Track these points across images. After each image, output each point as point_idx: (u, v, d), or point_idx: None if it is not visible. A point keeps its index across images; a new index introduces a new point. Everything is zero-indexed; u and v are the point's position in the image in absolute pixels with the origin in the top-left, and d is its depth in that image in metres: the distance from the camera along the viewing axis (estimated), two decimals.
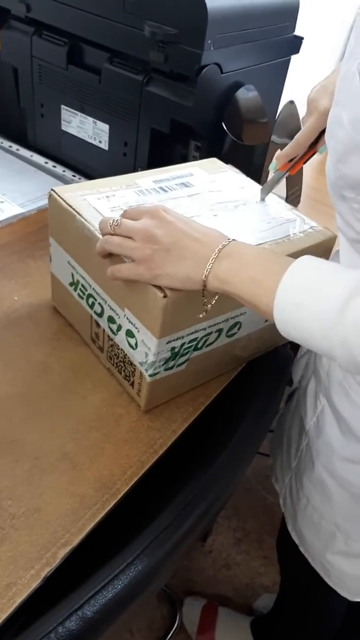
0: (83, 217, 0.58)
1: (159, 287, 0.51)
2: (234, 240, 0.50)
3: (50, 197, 0.62)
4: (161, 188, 0.65)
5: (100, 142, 0.94)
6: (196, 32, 0.74)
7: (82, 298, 0.64)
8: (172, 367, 0.60)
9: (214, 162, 0.75)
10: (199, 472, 0.60)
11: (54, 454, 0.56)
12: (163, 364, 0.58)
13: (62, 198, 0.61)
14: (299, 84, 1.21)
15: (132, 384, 0.62)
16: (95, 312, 0.63)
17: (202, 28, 0.74)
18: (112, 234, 0.53)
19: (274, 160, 0.68)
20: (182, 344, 0.58)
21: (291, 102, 0.81)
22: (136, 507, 0.55)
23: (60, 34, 0.89)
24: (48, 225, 0.65)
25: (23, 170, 1.01)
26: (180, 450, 0.61)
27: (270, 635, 1.08)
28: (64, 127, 0.98)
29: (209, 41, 0.75)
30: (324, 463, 0.68)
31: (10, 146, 1.06)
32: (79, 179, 0.99)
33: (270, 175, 0.69)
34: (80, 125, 0.95)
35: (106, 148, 0.93)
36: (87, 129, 0.94)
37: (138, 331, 0.56)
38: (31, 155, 1.04)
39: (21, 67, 0.97)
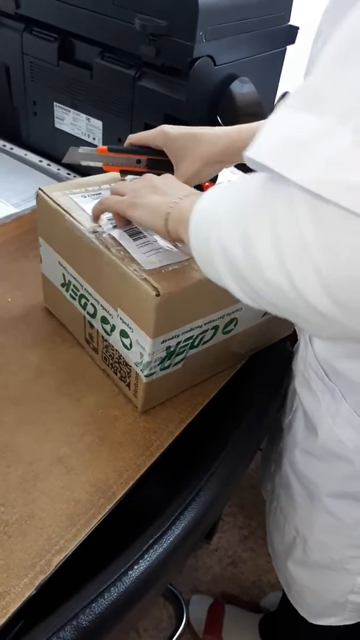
0: (72, 217, 0.57)
1: (152, 286, 0.50)
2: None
3: (38, 196, 0.61)
4: None
5: (94, 138, 0.92)
6: (187, 24, 0.73)
7: (75, 299, 0.63)
8: (168, 367, 0.59)
9: None
10: (198, 472, 0.58)
11: (47, 458, 0.55)
12: (159, 364, 0.57)
13: (50, 197, 0.60)
14: (296, 75, 1.19)
15: (129, 385, 0.61)
16: (88, 312, 0.62)
17: (193, 20, 0.72)
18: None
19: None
20: (178, 343, 0.57)
21: (287, 94, 0.80)
22: (133, 511, 0.54)
23: (50, 30, 0.88)
24: (37, 221, 0.64)
25: (17, 169, 1.00)
26: (178, 450, 0.60)
27: (278, 633, 1.07)
28: (57, 125, 0.96)
29: (201, 33, 0.74)
30: (289, 459, 0.67)
31: (3, 145, 1.05)
32: (74, 176, 0.98)
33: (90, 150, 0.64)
34: (74, 122, 0.94)
35: (100, 145, 0.92)
36: (81, 125, 0.93)
37: (132, 331, 0.55)
38: (25, 154, 1.03)
39: (12, 65, 0.96)
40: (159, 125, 0.81)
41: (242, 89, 0.85)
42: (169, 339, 0.55)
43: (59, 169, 0.99)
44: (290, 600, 0.73)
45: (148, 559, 0.49)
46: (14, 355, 0.65)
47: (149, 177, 0.54)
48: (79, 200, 0.60)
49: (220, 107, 0.84)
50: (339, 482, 0.61)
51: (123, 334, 0.57)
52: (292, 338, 0.73)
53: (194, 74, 0.77)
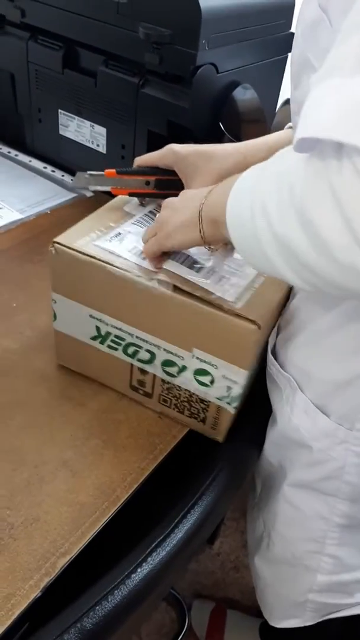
0: (115, 267, 0.53)
1: (247, 319, 0.50)
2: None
3: (56, 251, 0.55)
4: (151, 212, 0.64)
5: (98, 145, 0.93)
6: (190, 32, 0.74)
7: (116, 349, 0.60)
8: (245, 392, 0.59)
9: None
10: (200, 476, 0.59)
11: (53, 461, 0.56)
12: (244, 392, 0.57)
13: (76, 250, 0.55)
14: None
15: (203, 421, 0.60)
16: (139, 359, 0.59)
17: (196, 28, 0.73)
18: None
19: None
20: (255, 367, 0.58)
21: (289, 101, 0.80)
22: (137, 513, 0.55)
23: (55, 39, 0.89)
24: (51, 277, 0.59)
25: (22, 175, 1.01)
26: (181, 453, 0.60)
27: (279, 638, 1.07)
28: (61, 132, 0.97)
29: (204, 41, 0.74)
30: (264, 450, 0.67)
31: (8, 152, 1.06)
32: None
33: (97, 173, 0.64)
34: (78, 129, 0.94)
35: (104, 151, 0.93)
36: (85, 132, 0.94)
37: (216, 368, 0.54)
38: (30, 161, 1.04)
39: (17, 73, 0.97)
40: (162, 132, 0.83)
41: (245, 95, 0.86)
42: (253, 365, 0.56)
43: (63, 176, 1.00)
44: (258, 601, 0.73)
45: (151, 562, 0.50)
46: (19, 359, 0.66)
47: (167, 201, 0.54)
48: (107, 246, 0.56)
49: (223, 113, 0.85)
50: (298, 470, 0.61)
51: (200, 372, 0.56)
52: None
53: (197, 82, 0.78)
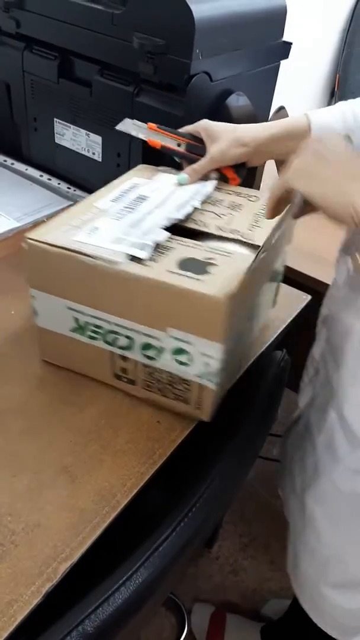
0: (87, 255, 0.55)
1: (218, 292, 0.51)
2: None
3: (29, 245, 0.57)
4: (126, 208, 0.65)
5: (93, 153, 0.94)
6: (184, 42, 0.75)
7: (96, 338, 0.61)
8: (226, 367, 0.60)
9: (146, 168, 0.77)
10: (198, 479, 0.60)
11: (52, 467, 0.56)
12: (224, 367, 0.58)
13: (47, 243, 0.56)
14: (289, 89, 1.21)
15: (187, 401, 0.61)
16: (119, 346, 0.60)
17: (190, 38, 0.74)
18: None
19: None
20: (233, 341, 0.58)
21: (282, 108, 0.82)
22: (135, 518, 0.55)
23: (50, 49, 0.90)
24: (27, 272, 0.59)
25: (18, 183, 1.02)
26: (179, 457, 0.61)
27: None
28: (57, 140, 0.98)
29: (197, 50, 0.76)
30: (331, 477, 0.66)
31: (5, 160, 1.07)
32: (74, 190, 0.99)
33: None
34: (74, 138, 0.95)
35: (100, 160, 0.94)
36: (80, 141, 0.95)
37: (192, 345, 0.55)
38: (26, 169, 1.04)
39: (13, 83, 0.98)
40: None
41: (238, 103, 0.87)
42: (229, 339, 0.56)
43: (59, 184, 1.01)
44: (317, 623, 0.70)
45: (151, 565, 0.50)
46: (18, 366, 0.66)
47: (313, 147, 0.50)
48: (78, 237, 0.57)
49: (217, 121, 0.86)
50: None
51: (178, 352, 0.57)
52: (287, 346, 0.74)
53: (191, 90, 0.79)
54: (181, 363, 0.58)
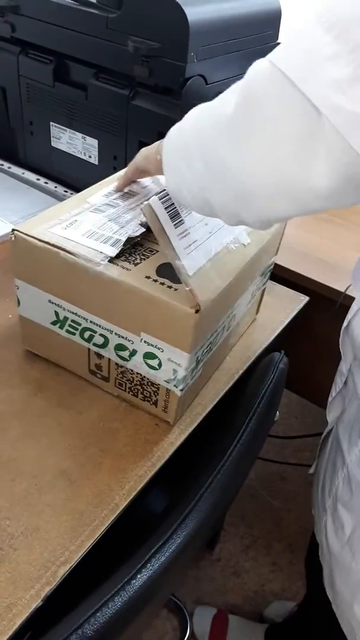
0: (69, 252, 0.56)
1: (188, 305, 0.51)
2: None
3: (15, 238, 0.58)
4: (111, 202, 0.65)
5: (90, 157, 0.94)
6: (179, 45, 0.75)
7: (74, 334, 0.62)
8: (194, 375, 0.61)
9: None
10: (197, 481, 0.59)
11: (51, 471, 0.56)
12: (191, 375, 0.59)
13: (32, 237, 0.57)
14: None
15: (155, 403, 0.62)
16: (95, 344, 0.61)
17: (184, 41, 0.74)
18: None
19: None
20: (202, 350, 0.59)
21: None
22: (135, 520, 0.55)
23: (45, 52, 0.90)
24: (13, 264, 0.61)
25: (15, 187, 1.02)
26: (177, 459, 0.61)
27: None
28: (53, 144, 0.98)
29: (192, 53, 0.76)
30: None
31: (1, 164, 1.07)
32: (71, 194, 1.00)
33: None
34: (70, 141, 0.96)
35: (96, 163, 0.94)
36: (77, 144, 0.95)
37: (162, 351, 0.56)
38: (23, 173, 1.05)
39: (9, 87, 0.98)
40: (153, 142, 0.84)
41: None
42: (198, 349, 0.57)
43: (56, 187, 1.01)
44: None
45: (150, 567, 0.50)
46: (15, 370, 0.66)
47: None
48: (63, 233, 0.58)
49: None
50: None
51: (148, 356, 0.58)
52: (285, 348, 0.74)
53: (186, 93, 0.79)
54: (151, 367, 0.59)
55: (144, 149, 0.62)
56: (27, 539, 0.51)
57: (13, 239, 0.58)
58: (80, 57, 0.87)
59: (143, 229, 0.59)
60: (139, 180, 0.70)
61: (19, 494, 0.54)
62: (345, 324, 0.69)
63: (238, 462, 0.64)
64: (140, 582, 0.48)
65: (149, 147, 0.61)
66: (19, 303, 0.65)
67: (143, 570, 0.49)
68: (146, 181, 0.70)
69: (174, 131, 0.49)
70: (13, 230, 0.58)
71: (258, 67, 0.39)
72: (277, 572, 1.27)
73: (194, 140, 0.45)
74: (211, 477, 0.59)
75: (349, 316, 0.68)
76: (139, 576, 0.49)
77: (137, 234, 0.58)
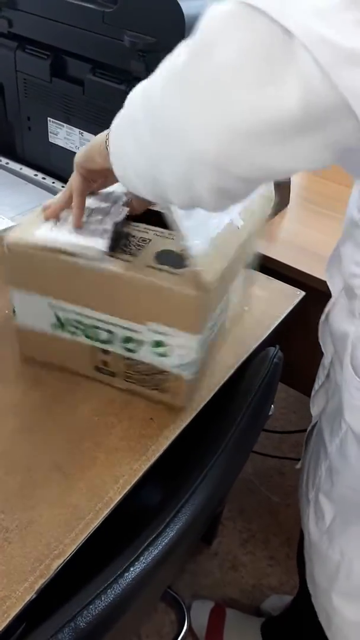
0: (66, 252, 0.55)
1: (195, 288, 0.53)
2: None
3: (8, 245, 0.57)
4: (95, 200, 0.63)
5: None
6: (175, 39, 0.73)
7: (77, 334, 0.62)
8: (202, 358, 0.62)
9: None
10: (192, 474, 0.60)
11: (45, 465, 0.57)
12: (199, 357, 0.60)
13: (27, 244, 0.57)
14: None
15: (164, 390, 0.63)
16: (100, 340, 0.61)
17: (180, 35, 0.74)
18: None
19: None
20: (207, 333, 0.60)
21: None
22: (129, 513, 0.56)
23: (43, 48, 0.90)
24: (6, 273, 0.60)
25: (13, 183, 1.02)
26: (172, 453, 0.61)
27: (282, 638, 1.07)
28: (51, 139, 0.98)
29: None
30: (345, 482, 0.65)
31: None
32: None
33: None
34: (67, 137, 0.96)
35: None
36: (74, 139, 0.95)
37: (170, 337, 0.57)
38: (20, 168, 1.05)
39: (6, 82, 0.98)
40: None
41: None
42: (205, 331, 0.58)
43: (53, 182, 1.01)
44: (328, 635, 0.68)
45: (144, 560, 0.51)
46: (11, 365, 0.67)
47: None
48: (56, 235, 0.57)
49: None
50: None
51: (157, 344, 0.58)
52: (280, 342, 0.75)
53: None
54: (160, 355, 0.59)
55: (78, 152, 0.59)
56: (21, 533, 0.51)
57: (6, 251, 0.57)
58: (77, 52, 0.87)
59: (127, 209, 0.59)
60: (97, 192, 0.64)
61: (14, 488, 0.54)
62: (322, 317, 0.68)
63: (232, 456, 0.64)
64: (132, 575, 0.49)
65: (85, 145, 0.58)
66: (14, 312, 0.64)
67: (136, 563, 0.50)
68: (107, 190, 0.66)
69: (121, 112, 0.47)
70: (5, 240, 0.57)
71: (216, 9, 0.36)
72: (274, 566, 1.28)
73: (142, 111, 0.41)
74: (204, 471, 0.60)
75: (326, 309, 0.67)
76: (131, 569, 0.49)
77: (122, 216, 0.59)
